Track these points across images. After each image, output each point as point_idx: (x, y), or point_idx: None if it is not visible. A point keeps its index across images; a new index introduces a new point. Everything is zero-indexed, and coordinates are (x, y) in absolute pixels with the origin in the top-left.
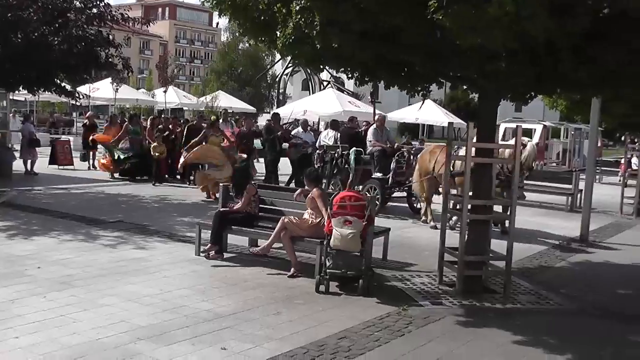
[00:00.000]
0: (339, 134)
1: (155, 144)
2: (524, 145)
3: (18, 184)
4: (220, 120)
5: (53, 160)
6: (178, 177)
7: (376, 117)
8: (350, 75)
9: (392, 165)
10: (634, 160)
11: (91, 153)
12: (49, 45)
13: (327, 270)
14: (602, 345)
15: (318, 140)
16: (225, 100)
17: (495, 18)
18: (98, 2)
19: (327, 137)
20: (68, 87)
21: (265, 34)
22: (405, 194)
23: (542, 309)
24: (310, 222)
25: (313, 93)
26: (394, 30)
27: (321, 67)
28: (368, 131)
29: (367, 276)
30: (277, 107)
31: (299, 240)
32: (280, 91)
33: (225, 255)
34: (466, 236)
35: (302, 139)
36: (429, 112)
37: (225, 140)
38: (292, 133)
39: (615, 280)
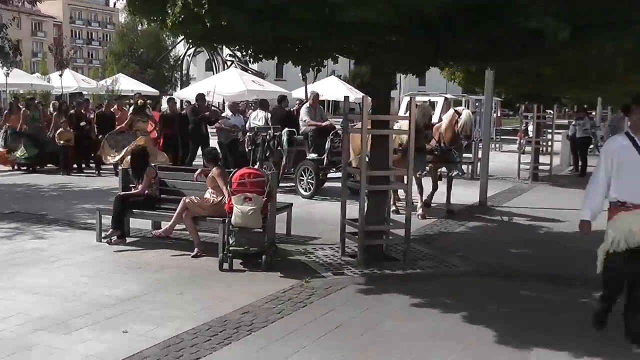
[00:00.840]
0: (269, 115)
1: (60, 129)
2: (459, 114)
3: None
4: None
5: None
6: (92, 165)
7: (309, 94)
8: (244, 53)
9: (327, 145)
10: (530, 128)
11: None
12: None
13: (230, 248)
14: (495, 301)
15: (248, 122)
16: (127, 83)
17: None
18: None
19: (257, 118)
20: None
21: (157, 13)
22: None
23: (440, 272)
24: (211, 201)
25: (217, 73)
26: (286, 7)
27: (215, 45)
28: (300, 110)
29: (269, 252)
30: (181, 89)
31: (201, 220)
32: (184, 72)
33: (128, 239)
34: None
35: (231, 122)
36: (333, 89)
37: (151, 124)
38: (222, 115)
39: (509, 242)
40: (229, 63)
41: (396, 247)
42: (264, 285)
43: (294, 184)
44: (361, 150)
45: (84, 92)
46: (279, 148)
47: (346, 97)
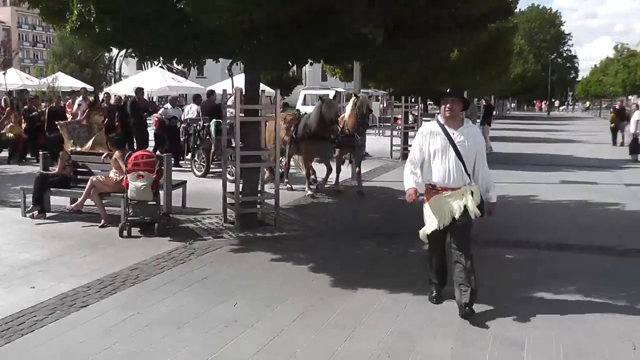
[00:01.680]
0: (200, 107)
1: (11, 124)
2: (357, 97)
3: None
4: (80, 97)
5: None
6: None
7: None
8: (133, 54)
9: None
10: (410, 117)
11: None
12: None
13: (128, 218)
14: (340, 255)
15: (183, 115)
16: (65, 81)
17: (220, 8)
18: None
19: (190, 111)
20: None
21: (59, 20)
22: None
23: (302, 234)
24: (115, 179)
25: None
26: (149, 19)
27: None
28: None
29: (161, 220)
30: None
31: (107, 195)
32: (116, 71)
33: (49, 214)
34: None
35: (170, 114)
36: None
37: (104, 117)
38: (161, 111)
39: (372, 208)
40: (156, 62)
41: (272, 214)
42: (154, 247)
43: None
44: (235, 135)
45: (29, 89)
46: (207, 137)
47: (224, 90)
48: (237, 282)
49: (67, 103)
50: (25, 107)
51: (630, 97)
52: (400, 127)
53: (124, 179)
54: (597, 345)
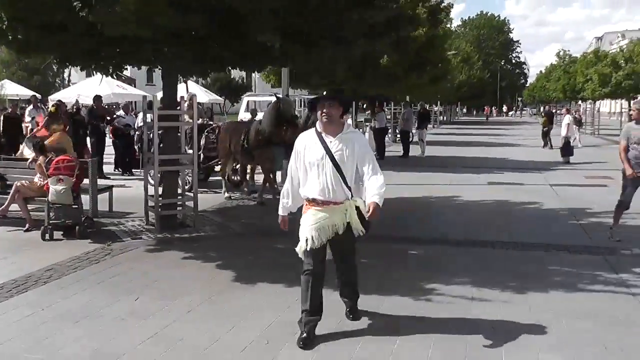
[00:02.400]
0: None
1: None
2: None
3: None
4: (31, 106)
5: None
6: None
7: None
8: (55, 61)
9: (202, 141)
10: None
11: None
12: None
13: (50, 222)
14: (246, 253)
15: (136, 122)
16: (12, 88)
17: (124, 15)
18: None
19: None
20: None
21: None
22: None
23: (219, 234)
24: (38, 184)
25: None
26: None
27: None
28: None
29: (82, 223)
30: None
31: (32, 200)
32: (64, 78)
33: None
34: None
35: (124, 121)
36: (196, 91)
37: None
38: (116, 115)
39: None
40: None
41: (192, 216)
42: (73, 249)
43: None
44: (153, 141)
45: None
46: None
47: (144, 97)
48: (145, 279)
49: (22, 113)
50: None
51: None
52: None
53: (45, 183)
54: (466, 327)
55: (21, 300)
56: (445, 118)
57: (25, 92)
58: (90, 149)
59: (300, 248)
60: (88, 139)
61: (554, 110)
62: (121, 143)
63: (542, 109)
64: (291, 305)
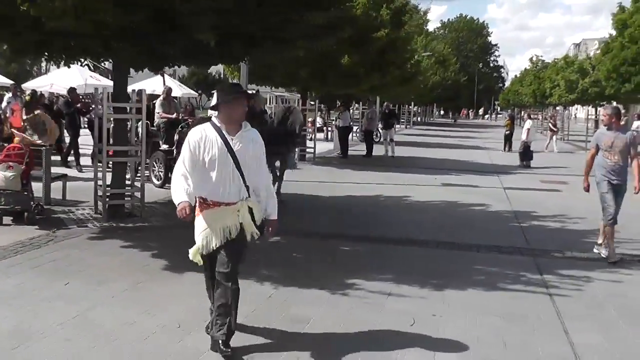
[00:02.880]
0: None
1: None
2: None
3: None
4: (9, 94)
5: None
6: None
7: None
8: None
9: (176, 136)
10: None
11: None
12: None
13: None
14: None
15: None
16: None
17: (64, 10)
18: None
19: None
20: None
21: None
22: None
23: (163, 225)
24: None
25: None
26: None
27: None
28: (156, 103)
29: (31, 209)
30: None
31: None
32: (42, 66)
33: None
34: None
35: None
36: (171, 85)
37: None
38: (92, 107)
39: None
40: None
41: (148, 206)
42: (19, 234)
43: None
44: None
45: None
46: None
47: (96, 88)
48: (80, 265)
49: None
50: None
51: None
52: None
53: None
54: (376, 321)
55: None
56: (420, 119)
57: (2, 80)
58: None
59: (194, 250)
60: (65, 130)
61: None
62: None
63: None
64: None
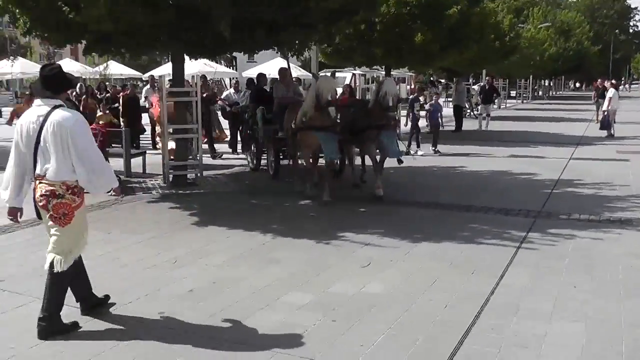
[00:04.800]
0: (249, 93)
1: (100, 113)
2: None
3: None
4: (148, 86)
5: None
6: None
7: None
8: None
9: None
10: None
11: None
12: None
13: None
14: (231, 206)
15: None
16: (116, 68)
17: (101, 16)
18: None
19: (245, 96)
20: None
21: None
22: None
23: (214, 192)
24: None
25: None
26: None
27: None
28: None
29: None
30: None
31: None
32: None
33: None
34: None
35: (233, 99)
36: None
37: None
38: (224, 95)
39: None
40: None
41: (208, 177)
42: (92, 199)
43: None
44: (162, 113)
45: (83, 77)
46: (254, 127)
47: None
48: (126, 220)
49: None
50: (108, 95)
51: None
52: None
53: None
54: (340, 263)
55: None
56: (548, 93)
57: (129, 72)
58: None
59: (70, 254)
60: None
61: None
62: (230, 122)
63: None
64: (216, 240)
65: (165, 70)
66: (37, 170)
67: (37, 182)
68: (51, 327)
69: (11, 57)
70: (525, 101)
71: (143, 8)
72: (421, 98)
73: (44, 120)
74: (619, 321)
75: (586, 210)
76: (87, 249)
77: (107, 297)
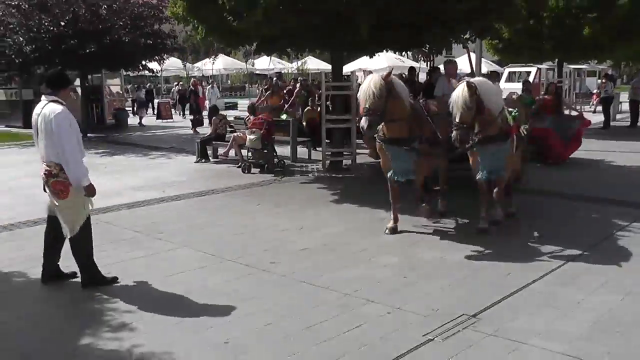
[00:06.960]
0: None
1: (308, 108)
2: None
3: (129, 130)
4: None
5: (159, 115)
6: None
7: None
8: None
9: None
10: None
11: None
12: (131, 42)
13: (248, 161)
14: (359, 189)
15: None
16: (313, 64)
17: (259, 22)
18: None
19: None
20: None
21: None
22: None
23: (361, 177)
24: (246, 136)
25: None
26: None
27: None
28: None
29: (272, 162)
30: None
31: (244, 146)
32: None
33: (212, 160)
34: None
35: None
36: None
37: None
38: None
39: None
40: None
41: (365, 165)
42: (256, 179)
43: None
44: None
45: (281, 71)
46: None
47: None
48: (276, 196)
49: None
50: (303, 91)
51: None
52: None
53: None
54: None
55: (191, 202)
56: None
57: (324, 67)
58: None
59: (75, 222)
60: None
61: None
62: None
63: None
64: (341, 214)
65: (356, 65)
66: (40, 153)
67: (42, 163)
68: (88, 277)
69: (212, 57)
70: None
71: (293, 14)
72: None
73: (40, 112)
74: None
75: None
76: (236, 214)
77: (74, 273)
